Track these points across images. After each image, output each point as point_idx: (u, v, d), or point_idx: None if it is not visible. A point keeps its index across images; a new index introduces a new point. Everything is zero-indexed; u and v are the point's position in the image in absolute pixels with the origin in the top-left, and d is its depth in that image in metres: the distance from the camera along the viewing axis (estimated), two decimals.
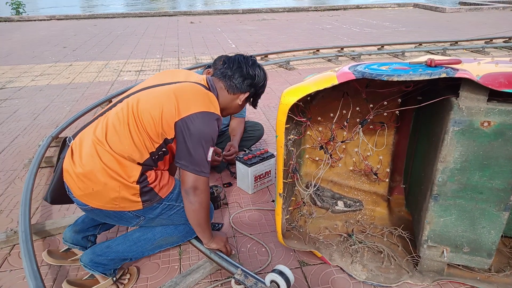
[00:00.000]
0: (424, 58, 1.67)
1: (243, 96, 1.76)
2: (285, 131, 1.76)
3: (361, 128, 1.92)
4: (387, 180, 2.18)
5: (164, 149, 1.58)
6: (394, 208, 2.19)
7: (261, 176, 2.52)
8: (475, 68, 1.57)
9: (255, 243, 2.02)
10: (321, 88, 1.60)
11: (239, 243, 2.02)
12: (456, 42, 7.58)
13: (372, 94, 1.92)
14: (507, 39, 7.92)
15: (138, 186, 1.50)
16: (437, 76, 1.44)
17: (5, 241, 2.00)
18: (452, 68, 1.52)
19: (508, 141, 1.50)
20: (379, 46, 7.25)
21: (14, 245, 2.02)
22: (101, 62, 6.91)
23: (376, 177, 2.14)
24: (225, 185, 2.61)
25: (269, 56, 6.61)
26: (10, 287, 1.74)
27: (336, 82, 1.58)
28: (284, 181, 1.81)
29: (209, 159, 1.55)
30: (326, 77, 1.64)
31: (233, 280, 1.59)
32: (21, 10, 14.54)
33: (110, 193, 1.47)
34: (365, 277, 1.76)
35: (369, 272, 1.78)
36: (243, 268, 1.59)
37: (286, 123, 1.73)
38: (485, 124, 1.50)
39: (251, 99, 1.84)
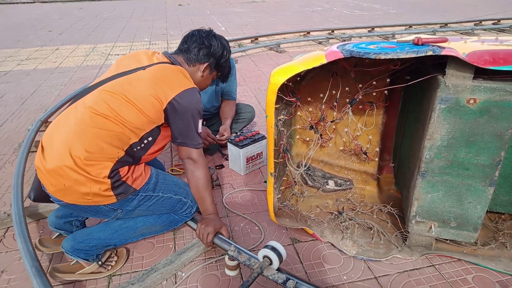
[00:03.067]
0: (412, 37, 1.69)
1: (202, 67, 1.78)
2: (275, 112, 1.77)
3: (351, 108, 1.94)
4: (377, 159, 2.22)
5: (149, 139, 1.58)
6: (384, 186, 2.24)
7: (253, 157, 2.54)
8: (462, 46, 1.59)
9: (248, 222, 2.06)
10: (310, 67, 1.61)
11: (232, 222, 2.06)
12: (446, 24, 7.60)
13: (361, 74, 1.94)
14: (496, 21, 7.97)
15: (109, 181, 1.47)
16: (423, 54, 1.46)
17: None
18: (438, 46, 1.54)
19: (493, 118, 1.54)
20: (370, 29, 7.24)
21: (8, 227, 2.02)
22: (88, 45, 6.77)
23: (365, 157, 2.17)
24: (217, 167, 2.63)
25: (259, 39, 6.55)
26: (7, 267, 1.76)
27: (324, 61, 1.58)
28: (275, 161, 1.83)
29: (200, 130, 1.67)
30: (315, 57, 1.64)
31: (226, 257, 1.62)
32: None
33: (81, 189, 1.43)
34: (355, 252, 1.81)
35: (359, 248, 1.83)
36: (237, 245, 1.63)
37: (276, 104, 1.75)
38: (471, 101, 1.53)
39: (219, 73, 1.89)
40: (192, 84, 1.65)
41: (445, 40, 1.62)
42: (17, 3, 12.76)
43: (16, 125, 3.37)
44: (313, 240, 1.90)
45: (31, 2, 12.88)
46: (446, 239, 1.84)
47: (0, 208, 2.21)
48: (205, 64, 1.78)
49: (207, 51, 1.78)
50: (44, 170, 1.46)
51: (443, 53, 1.46)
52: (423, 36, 1.64)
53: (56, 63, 5.62)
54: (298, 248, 1.85)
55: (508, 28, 7.43)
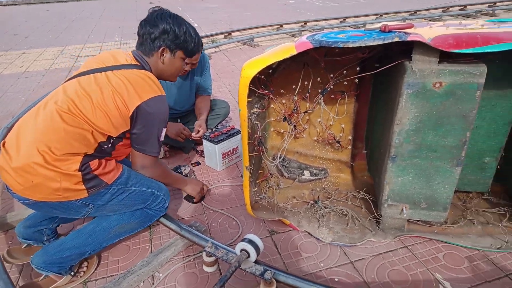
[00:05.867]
0: (379, 24, 1.71)
1: (158, 53, 1.70)
2: (248, 105, 1.77)
3: (322, 98, 1.96)
4: (350, 147, 2.25)
5: (117, 141, 1.58)
6: (357, 173, 2.28)
7: (229, 152, 2.53)
8: (427, 31, 1.62)
9: (225, 217, 2.05)
10: (281, 58, 1.61)
11: (210, 219, 2.05)
12: (415, 11, 7.77)
13: (332, 64, 1.95)
14: (462, 7, 8.21)
15: (80, 173, 1.45)
16: (390, 41, 1.48)
17: None
18: (404, 32, 1.57)
19: (458, 100, 1.58)
20: (342, 19, 7.32)
21: None
22: (56, 48, 6.56)
23: (339, 145, 2.20)
24: (193, 165, 2.60)
25: (232, 34, 6.52)
26: None
27: (294, 52, 1.59)
28: (250, 154, 1.83)
29: (162, 139, 1.67)
30: (285, 48, 1.65)
31: (204, 253, 1.61)
32: None
33: (52, 184, 1.40)
34: (331, 238, 1.84)
35: (335, 234, 1.86)
36: (214, 241, 1.62)
37: (249, 97, 1.74)
38: (437, 85, 1.57)
39: (184, 52, 1.78)
40: (160, 92, 1.61)
41: (411, 26, 1.65)
42: None
43: None
44: (290, 230, 1.92)
45: None
46: (418, 220, 1.89)
47: None
48: (160, 49, 1.71)
49: (156, 35, 1.67)
50: (9, 169, 1.41)
51: (409, 38, 1.49)
52: (389, 23, 1.66)
53: (22, 67, 5.42)
54: (276, 240, 1.86)
55: (474, 14, 7.66)
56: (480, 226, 1.90)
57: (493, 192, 2.10)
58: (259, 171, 2.11)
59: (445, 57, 1.55)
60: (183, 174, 2.30)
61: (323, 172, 2.28)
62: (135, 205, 1.69)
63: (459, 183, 2.03)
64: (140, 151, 1.65)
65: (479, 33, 1.52)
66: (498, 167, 2.02)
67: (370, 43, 1.47)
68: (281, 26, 7.00)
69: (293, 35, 6.57)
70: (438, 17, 7.32)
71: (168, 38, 1.70)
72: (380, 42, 1.47)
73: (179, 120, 2.75)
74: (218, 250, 1.55)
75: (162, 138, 1.68)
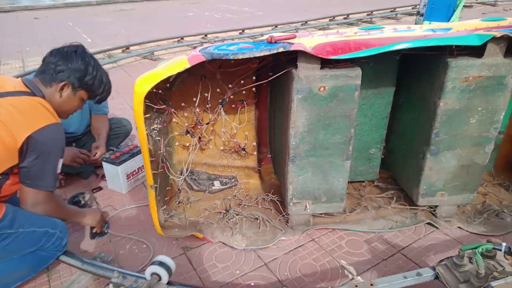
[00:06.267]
0: (266, 36, 1.82)
1: (58, 86, 1.59)
2: (147, 121, 1.72)
3: (222, 108, 2.00)
4: (255, 153, 2.34)
5: (2, 177, 1.43)
6: (265, 177, 2.37)
7: (134, 172, 2.41)
8: (309, 41, 1.77)
9: (134, 242, 1.95)
10: (174, 72, 1.61)
11: (117, 246, 1.92)
12: (306, 22, 8.43)
13: (229, 75, 2.01)
14: (346, 15, 9.16)
15: None
16: (275, 51, 1.59)
17: None
18: (288, 42, 1.69)
19: (340, 101, 1.76)
20: (241, 31, 7.58)
21: None
22: None
23: (245, 152, 2.27)
24: (94, 190, 2.41)
25: (131, 48, 6.27)
26: None
27: (188, 65, 1.60)
28: (155, 172, 1.77)
29: (59, 171, 1.53)
30: (178, 62, 1.65)
31: (111, 285, 1.50)
32: None
33: None
34: (245, 244, 1.88)
35: (248, 239, 1.90)
36: (121, 270, 1.52)
37: (147, 113, 1.69)
38: (321, 89, 1.72)
39: (90, 94, 1.72)
40: (55, 119, 1.48)
41: (293, 37, 1.78)
42: None
43: None
44: (205, 243, 1.91)
45: None
46: (321, 213, 2.04)
47: None
48: (62, 83, 1.59)
49: (63, 68, 1.58)
50: None
51: (292, 48, 1.61)
52: (275, 34, 1.78)
53: None
54: (190, 256, 1.83)
55: (355, 21, 8.62)
56: (373, 211, 2.13)
57: (381, 179, 2.37)
58: (167, 188, 2.05)
59: (327, 63, 1.72)
60: (83, 202, 2.12)
61: (233, 180, 2.32)
62: (25, 249, 1.50)
63: (352, 174, 2.26)
64: (33, 186, 1.47)
65: (352, 40, 1.71)
66: (383, 156, 2.29)
67: (258, 54, 1.56)
68: (182, 38, 6.97)
69: (194, 47, 6.57)
70: (326, 26, 8.05)
71: (76, 76, 1.61)
72: (267, 53, 1.56)
73: (74, 145, 2.53)
74: (126, 279, 1.46)
75: (59, 170, 1.53)
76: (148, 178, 1.72)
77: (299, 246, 1.88)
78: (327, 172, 1.88)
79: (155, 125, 1.85)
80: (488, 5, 10.19)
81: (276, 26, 7.97)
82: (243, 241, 1.89)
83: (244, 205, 2.14)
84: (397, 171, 2.28)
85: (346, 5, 11.85)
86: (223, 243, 1.89)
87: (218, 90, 2.08)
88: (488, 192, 2.25)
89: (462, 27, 1.87)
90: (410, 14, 9.13)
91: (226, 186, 2.26)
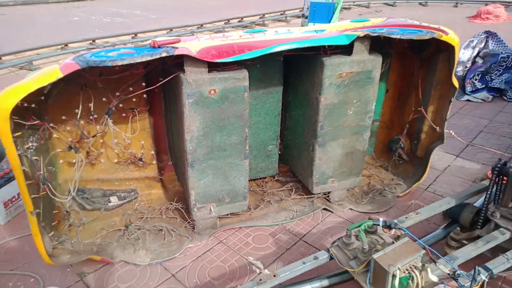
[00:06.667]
0: (149, 41, 1.75)
1: None
2: (18, 140, 1.52)
3: (109, 118, 1.87)
4: (155, 161, 2.25)
5: None
6: (168, 185, 2.30)
7: (13, 199, 2.12)
8: (195, 44, 1.76)
9: (19, 277, 1.71)
10: (45, 83, 1.45)
11: None
12: (202, 25, 8.42)
13: (114, 82, 1.89)
14: (240, 18, 9.41)
15: None
16: (158, 56, 1.54)
17: None
18: (172, 47, 1.66)
19: (232, 103, 1.79)
20: (133, 35, 7.22)
21: None
22: None
23: (142, 162, 2.16)
24: None
25: (3, 58, 5.49)
26: None
27: (60, 75, 1.46)
28: (35, 196, 1.58)
29: None
30: (49, 72, 1.49)
31: None
32: None
33: None
34: (150, 259, 1.79)
35: (153, 253, 1.82)
36: None
37: (17, 131, 1.50)
38: (212, 92, 1.73)
39: None
40: None
41: (178, 41, 1.76)
42: None
43: None
44: (104, 265, 1.77)
45: None
46: (227, 214, 2.06)
47: None
48: None
49: None
50: None
51: (176, 52, 1.58)
52: (159, 39, 1.73)
53: None
54: (88, 281, 1.68)
55: (249, 24, 8.91)
56: (276, 204, 2.23)
57: (281, 173, 2.50)
58: (54, 211, 1.84)
59: (216, 66, 1.73)
60: None
61: (132, 193, 2.19)
62: None
63: (254, 172, 2.33)
64: None
65: (236, 44, 1.76)
66: (280, 152, 2.41)
67: (139, 59, 1.49)
68: (66, 45, 6.35)
69: None
70: (222, 29, 8.16)
71: None
72: (149, 58, 1.51)
73: None
74: None
75: None
76: (27, 204, 1.52)
77: (207, 251, 1.87)
78: (227, 173, 1.90)
79: (30, 144, 1.64)
80: (363, 7, 11.49)
81: (171, 30, 7.79)
82: (147, 256, 1.80)
83: (147, 217, 2.04)
84: (293, 164, 2.42)
85: (240, 8, 12.20)
86: (125, 261, 1.78)
87: (104, 99, 1.94)
88: (372, 174, 2.54)
89: (334, 28, 2.07)
90: (298, 17, 9.80)
91: (125, 201, 2.13)
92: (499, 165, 1.62)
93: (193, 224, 1.97)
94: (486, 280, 1.31)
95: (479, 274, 1.26)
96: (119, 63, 1.47)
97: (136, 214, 2.08)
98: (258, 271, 1.52)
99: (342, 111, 1.98)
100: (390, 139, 2.63)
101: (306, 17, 5.53)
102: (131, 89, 1.94)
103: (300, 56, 1.97)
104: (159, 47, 1.64)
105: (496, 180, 1.65)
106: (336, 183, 2.19)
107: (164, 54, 1.54)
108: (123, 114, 2.03)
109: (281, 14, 9.90)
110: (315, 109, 1.96)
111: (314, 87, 1.94)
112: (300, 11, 9.52)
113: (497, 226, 1.62)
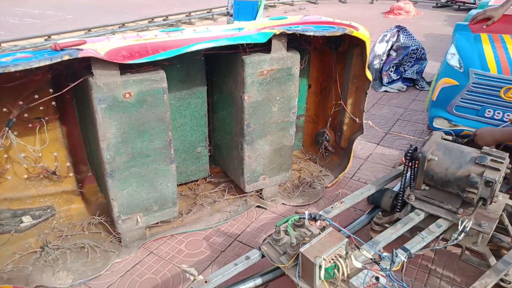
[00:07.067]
0: (50, 43, 1.59)
1: None
2: None
3: (9, 130, 1.67)
4: (72, 174, 2.06)
5: None
6: (90, 198, 2.13)
7: None
8: (104, 45, 1.63)
9: None
10: None
11: None
12: (123, 24, 8.00)
13: (15, 90, 1.69)
14: (165, 17, 9.12)
15: None
16: (59, 60, 1.40)
17: None
18: (77, 49, 1.52)
19: (151, 106, 1.70)
20: (46, 37, 6.62)
21: None
22: None
23: (57, 176, 1.97)
24: None
25: None
26: None
27: None
28: None
29: None
30: None
31: None
32: None
33: None
34: (72, 280, 1.65)
35: (75, 273, 1.68)
36: None
37: None
38: (127, 95, 1.62)
39: None
40: None
41: (83, 42, 1.61)
42: None
43: None
44: None
45: None
46: (157, 223, 1.97)
47: None
48: None
49: None
50: None
51: (80, 55, 1.45)
52: (61, 41, 1.57)
53: None
54: None
55: (175, 23, 8.67)
56: (209, 207, 2.18)
57: (214, 174, 2.45)
58: None
59: (129, 68, 1.63)
60: None
61: (48, 210, 1.99)
62: None
63: (184, 176, 2.26)
64: None
65: (150, 43, 1.67)
66: (210, 153, 2.37)
67: (36, 64, 1.35)
68: None
69: None
70: (146, 28, 7.83)
71: None
72: (48, 63, 1.37)
73: None
74: None
75: None
76: None
77: (137, 264, 1.77)
78: (153, 180, 1.81)
79: None
80: (288, 5, 11.82)
81: (89, 30, 7.29)
82: (69, 277, 1.65)
83: (67, 235, 1.87)
84: (224, 164, 2.39)
85: (164, 6, 11.82)
86: (44, 286, 1.61)
87: (4, 109, 1.73)
88: (301, 167, 2.60)
89: (253, 27, 2.07)
90: (225, 15, 9.78)
91: (40, 220, 1.93)
92: (410, 151, 1.75)
93: (119, 237, 1.84)
94: (406, 260, 1.40)
95: (397, 256, 1.34)
96: (13, 69, 1.31)
97: (54, 233, 1.89)
98: (192, 278, 1.47)
99: (267, 108, 1.99)
100: (316, 133, 2.72)
101: (231, 15, 5.53)
102: (36, 96, 1.76)
103: (222, 55, 1.95)
104: (61, 49, 1.49)
105: (410, 164, 1.78)
106: (268, 180, 2.21)
107: (66, 58, 1.41)
108: (29, 125, 1.83)
109: (207, 12, 9.80)
110: (240, 107, 1.95)
111: (237, 85, 1.92)
112: (226, 9, 9.52)
113: (413, 208, 1.75)
